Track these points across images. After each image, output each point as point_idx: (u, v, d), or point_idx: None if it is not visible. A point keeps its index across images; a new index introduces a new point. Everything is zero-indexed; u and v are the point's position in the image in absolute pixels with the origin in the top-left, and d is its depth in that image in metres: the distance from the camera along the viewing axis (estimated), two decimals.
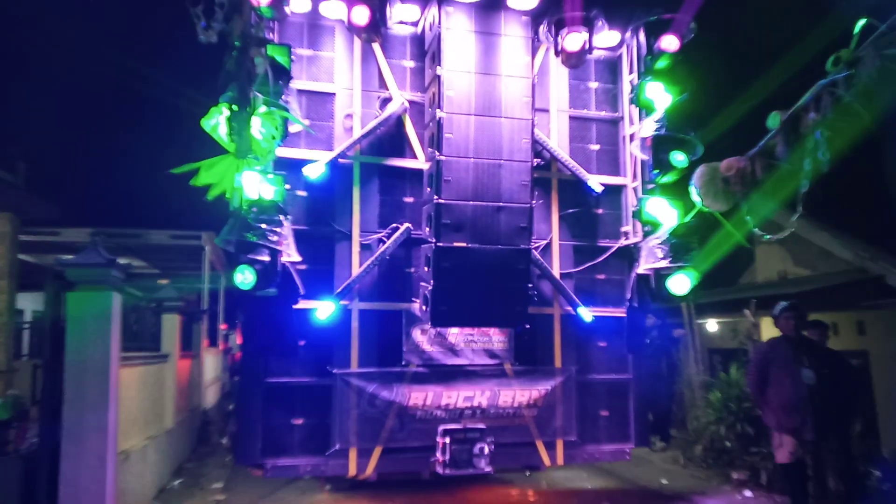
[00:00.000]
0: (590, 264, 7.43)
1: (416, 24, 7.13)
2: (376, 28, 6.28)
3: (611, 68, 7.79)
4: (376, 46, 6.94)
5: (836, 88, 4.87)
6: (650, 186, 7.04)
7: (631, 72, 7.48)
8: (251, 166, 5.67)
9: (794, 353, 5.78)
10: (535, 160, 6.75)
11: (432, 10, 6.68)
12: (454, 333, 7.01)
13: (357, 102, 6.96)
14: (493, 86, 6.51)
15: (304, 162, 6.72)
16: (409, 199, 7.04)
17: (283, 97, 5.94)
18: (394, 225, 6.90)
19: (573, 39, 6.55)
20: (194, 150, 5.89)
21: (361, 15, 6.11)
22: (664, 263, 6.59)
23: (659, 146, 6.70)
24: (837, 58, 4.87)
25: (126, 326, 6.67)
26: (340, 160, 6.84)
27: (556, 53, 6.80)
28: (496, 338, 7.11)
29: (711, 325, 11.86)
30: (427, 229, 6.73)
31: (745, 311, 8.82)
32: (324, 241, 6.80)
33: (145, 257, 15.08)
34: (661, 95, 6.77)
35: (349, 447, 6.61)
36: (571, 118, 7.57)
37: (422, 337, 6.94)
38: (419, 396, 6.75)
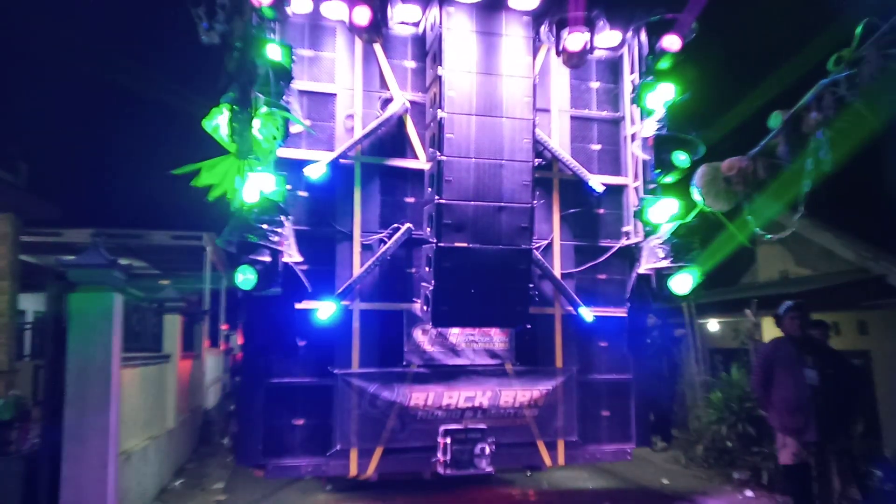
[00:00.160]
0: (591, 264, 7.43)
1: (417, 24, 7.13)
2: (377, 28, 6.28)
3: (612, 68, 7.79)
4: (377, 47, 6.94)
5: (838, 88, 4.86)
6: (651, 186, 7.05)
7: (632, 72, 7.48)
8: (252, 167, 5.68)
9: (798, 353, 5.75)
10: (537, 160, 6.75)
11: (433, 11, 6.67)
12: (455, 333, 7.01)
13: (358, 103, 6.96)
14: (494, 86, 6.50)
15: (305, 162, 6.72)
16: (411, 200, 7.04)
17: (284, 98, 5.95)
18: (395, 225, 6.90)
19: (574, 39, 6.55)
20: (195, 150, 5.90)
21: (362, 15, 6.12)
22: (665, 263, 6.60)
23: (661, 146, 6.70)
24: (839, 57, 4.86)
25: (127, 327, 6.68)
26: (341, 160, 6.84)
27: (558, 53, 6.80)
28: (497, 338, 7.11)
29: (713, 324, 11.86)
30: (428, 229, 6.73)
31: (746, 311, 8.82)
32: (325, 242, 6.80)
33: (146, 258, 15.08)
34: (662, 95, 6.77)
35: (350, 447, 6.61)
36: (573, 118, 7.57)
37: (423, 337, 6.94)
38: (420, 397, 6.75)
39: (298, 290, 6.32)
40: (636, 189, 7.44)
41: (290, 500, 7.50)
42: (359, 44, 6.94)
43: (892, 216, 8.75)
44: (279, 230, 5.73)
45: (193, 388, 10.99)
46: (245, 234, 5.57)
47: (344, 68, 6.99)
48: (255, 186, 5.70)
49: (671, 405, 10.19)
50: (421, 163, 7.05)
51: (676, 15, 6.72)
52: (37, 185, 10.02)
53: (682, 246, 6.57)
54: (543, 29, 6.88)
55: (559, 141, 7.43)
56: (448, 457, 6.58)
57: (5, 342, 8.75)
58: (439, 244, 6.33)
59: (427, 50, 7.02)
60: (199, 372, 11.63)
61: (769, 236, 6.08)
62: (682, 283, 6.45)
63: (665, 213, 6.65)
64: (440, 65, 6.43)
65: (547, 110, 7.42)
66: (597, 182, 7.40)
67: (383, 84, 7.06)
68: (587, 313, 7.20)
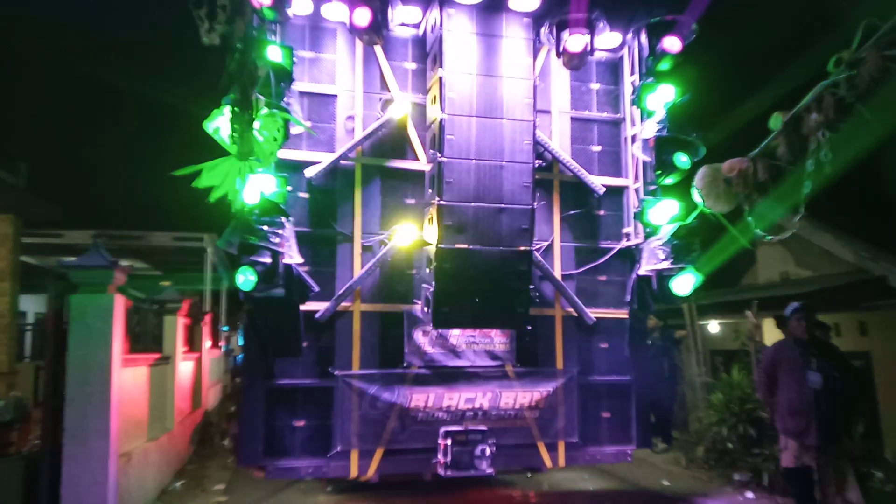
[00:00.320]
0: (591, 265, 7.43)
1: (417, 26, 7.14)
2: (378, 30, 6.29)
3: (612, 69, 7.80)
4: (378, 48, 6.95)
5: (838, 89, 4.86)
6: (652, 188, 7.05)
7: (632, 73, 7.49)
8: (253, 168, 5.68)
9: (803, 356, 5.66)
10: (537, 161, 6.75)
11: (434, 12, 6.68)
12: (456, 335, 7.01)
13: (359, 104, 6.97)
14: (494, 87, 6.51)
15: (305, 164, 6.73)
16: (411, 201, 7.05)
17: (284, 99, 5.96)
18: (395, 226, 6.91)
19: (575, 41, 6.55)
20: (196, 152, 5.90)
21: (363, 17, 6.13)
22: (665, 265, 6.60)
23: (662, 147, 6.71)
24: (839, 58, 4.86)
25: (128, 328, 6.68)
26: (342, 162, 6.85)
27: (558, 55, 6.81)
28: (498, 339, 7.11)
29: (713, 326, 11.86)
30: (428, 231, 6.73)
31: (746, 313, 8.81)
32: (325, 243, 6.81)
33: (147, 259, 15.10)
34: (662, 97, 6.78)
35: (351, 449, 6.61)
36: (573, 119, 7.58)
37: (423, 338, 6.94)
38: (421, 398, 6.75)
39: (300, 291, 6.33)
40: (636, 190, 7.45)
41: (290, 502, 7.50)
42: (359, 45, 6.95)
43: (893, 217, 8.76)
44: (280, 231, 5.74)
45: (194, 389, 10.99)
46: (246, 235, 5.57)
47: (344, 70, 7.00)
48: (256, 188, 5.71)
49: (672, 407, 10.16)
50: (421, 164, 7.05)
51: (677, 16, 6.72)
52: (38, 186, 10.04)
53: (683, 247, 6.58)
54: (544, 30, 6.89)
55: (559, 142, 7.43)
56: (448, 458, 6.58)
57: (6, 343, 8.77)
58: (440, 246, 6.33)
59: (427, 51, 7.03)
60: (200, 373, 11.63)
61: (770, 238, 6.06)
62: (684, 284, 6.45)
63: (665, 214, 6.66)
64: (440, 66, 6.44)
65: (547, 112, 7.43)
66: (597, 183, 7.40)
67: (384, 85, 7.07)
68: (588, 315, 7.19)
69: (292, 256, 6.11)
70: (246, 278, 5.54)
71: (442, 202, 6.32)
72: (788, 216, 5.68)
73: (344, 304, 6.73)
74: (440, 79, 6.43)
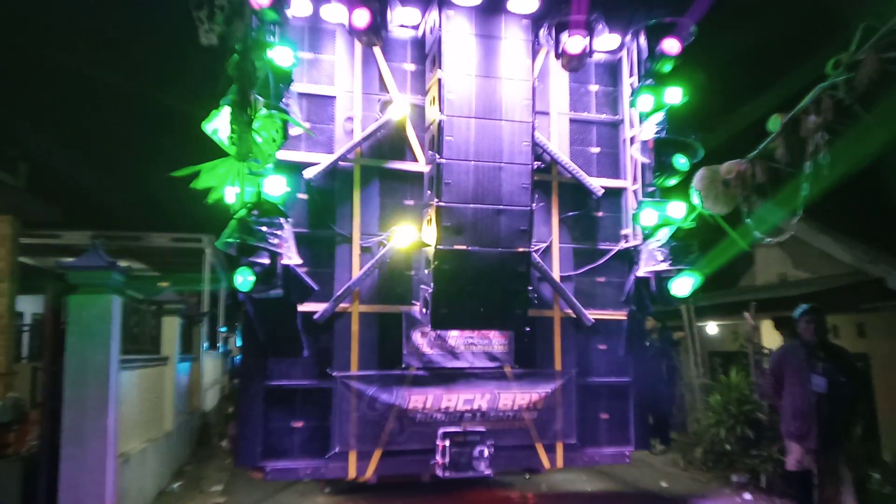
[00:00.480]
0: (590, 267, 7.44)
1: (416, 27, 7.14)
2: (377, 31, 6.29)
3: (611, 71, 7.81)
4: (377, 50, 6.95)
5: (836, 91, 4.87)
6: (650, 189, 7.06)
7: (631, 75, 7.50)
8: (252, 169, 5.68)
9: (808, 359, 5.57)
10: (536, 163, 6.76)
11: (433, 14, 6.69)
12: (454, 336, 7.01)
13: (357, 105, 6.97)
14: (493, 89, 6.51)
15: (304, 165, 6.73)
16: (410, 202, 7.05)
17: (283, 100, 5.95)
18: (394, 228, 6.91)
19: (574, 42, 6.56)
20: (195, 152, 5.90)
21: (362, 18, 6.13)
22: (664, 266, 6.61)
23: (661, 149, 6.72)
24: (837, 61, 4.87)
25: (126, 329, 6.68)
26: (341, 163, 6.85)
27: (557, 56, 6.82)
28: (496, 341, 7.11)
29: (711, 327, 11.87)
30: (427, 232, 6.73)
31: (745, 314, 8.82)
32: (324, 244, 6.81)
33: (146, 260, 15.07)
34: (661, 98, 6.78)
35: (349, 450, 6.61)
36: (572, 121, 7.59)
37: (422, 340, 6.94)
38: (419, 399, 6.75)
39: (299, 292, 6.32)
40: (635, 192, 7.45)
41: (288, 503, 7.49)
42: (358, 46, 6.95)
43: (891, 219, 8.77)
44: (279, 232, 5.73)
45: (192, 390, 10.98)
46: (244, 236, 5.57)
47: (343, 71, 7.00)
48: (255, 189, 5.70)
49: (670, 408, 10.16)
50: (420, 165, 7.05)
51: (676, 18, 6.73)
52: (36, 187, 10.02)
53: (681, 249, 6.59)
54: (543, 32, 6.90)
55: (558, 144, 7.44)
56: (447, 459, 6.57)
57: (3, 344, 8.74)
58: (438, 247, 6.33)
59: (426, 53, 7.04)
60: (198, 374, 11.62)
61: (768, 239, 6.07)
62: (683, 285, 6.46)
63: (657, 217, 6.66)
64: (439, 67, 6.44)
65: (546, 113, 7.43)
66: (596, 185, 7.41)
67: (383, 87, 7.07)
68: (586, 316, 7.20)
69: (291, 257, 6.11)
70: (244, 279, 5.53)
71: (441, 203, 6.32)
72: (787, 218, 5.68)
73: (342, 305, 6.73)
74: (439, 80, 6.43)
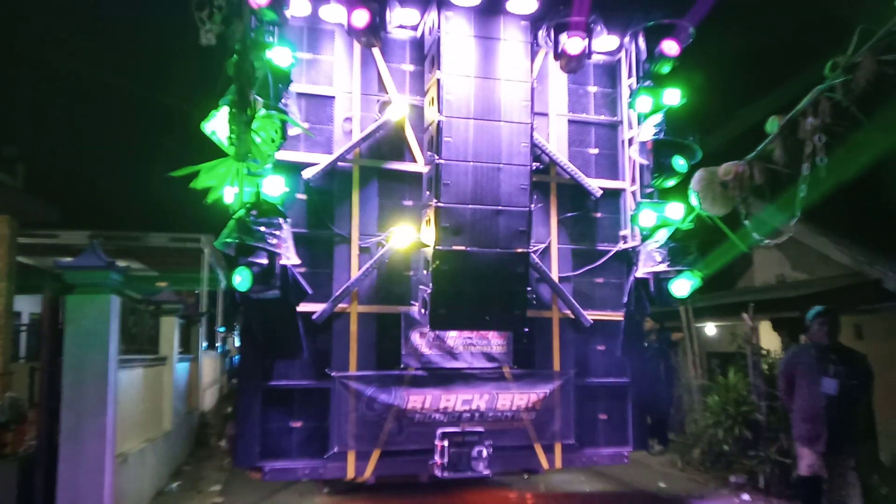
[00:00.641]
0: (588, 268, 7.45)
1: (415, 28, 7.15)
2: (376, 32, 6.29)
3: (610, 72, 7.81)
4: (376, 50, 6.95)
5: (834, 94, 4.88)
6: (649, 190, 7.07)
7: (630, 76, 7.50)
8: (251, 169, 5.68)
9: (819, 361, 5.50)
10: (534, 164, 6.77)
11: (432, 15, 6.69)
12: (453, 337, 7.01)
13: (356, 106, 6.97)
14: (492, 90, 6.52)
15: (303, 165, 6.73)
16: (409, 203, 7.05)
17: (282, 100, 5.95)
18: (393, 228, 6.91)
19: (572, 44, 6.56)
20: (194, 152, 5.90)
21: (361, 19, 6.13)
22: (663, 267, 6.62)
23: (660, 150, 6.73)
24: (835, 63, 4.88)
25: (124, 329, 6.67)
26: (340, 163, 6.85)
27: (556, 58, 6.82)
28: (495, 341, 7.11)
29: (710, 328, 11.88)
30: (426, 233, 6.74)
31: (743, 315, 8.83)
32: (323, 245, 6.81)
33: (144, 259, 15.07)
34: (660, 100, 6.79)
35: (347, 450, 6.61)
36: (570, 122, 7.60)
37: (420, 340, 6.95)
38: (417, 400, 6.76)
39: (297, 292, 6.32)
40: (633, 193, 7.46)
41: (287, 503, 7.49)
42: (357, 47, 6.95)
43: (888, 221, 8.78)
44: (277, 233, 5.74)
45: (190, 390, 10.98)
46: (243, 236, 5.57)
47: (342, 71, 7.01)
48: (254, 189, 5.70)
49: (668, 409, 10.23)
50: (419, 166, 7.06)
51: (674, 20, 6.74)
52: (34, 187, 10.01)
53: (680, 250, 6.59)
54: (541, 33, 6.91)
55: (557, 145, 7.45)
56: (445, 460, 6.58)
57: (1, 344, 8.74)
58: (437, 247, 6.33)
59: (425, 54, 7.04)
60: (196, 374, 11.62)
61: (766, 241, 6.07)
62: (682, 286, 6.47)
63: (654, 219, 6.67)
64: (438, 68, 6.45)
65: (545, 114, 7.44)
66: (594, 186, 7.42)
67: (381, 87, 7.08)
68: (585, 317, 7.20)
69: (289, 258, 6.11)
70: (243, 279, 5.53)
71: (439, 204, 6.33)
72: (785, 220, 5.68)
73: (341, 305, 6.74)
74: (438, 81, 6.44)
